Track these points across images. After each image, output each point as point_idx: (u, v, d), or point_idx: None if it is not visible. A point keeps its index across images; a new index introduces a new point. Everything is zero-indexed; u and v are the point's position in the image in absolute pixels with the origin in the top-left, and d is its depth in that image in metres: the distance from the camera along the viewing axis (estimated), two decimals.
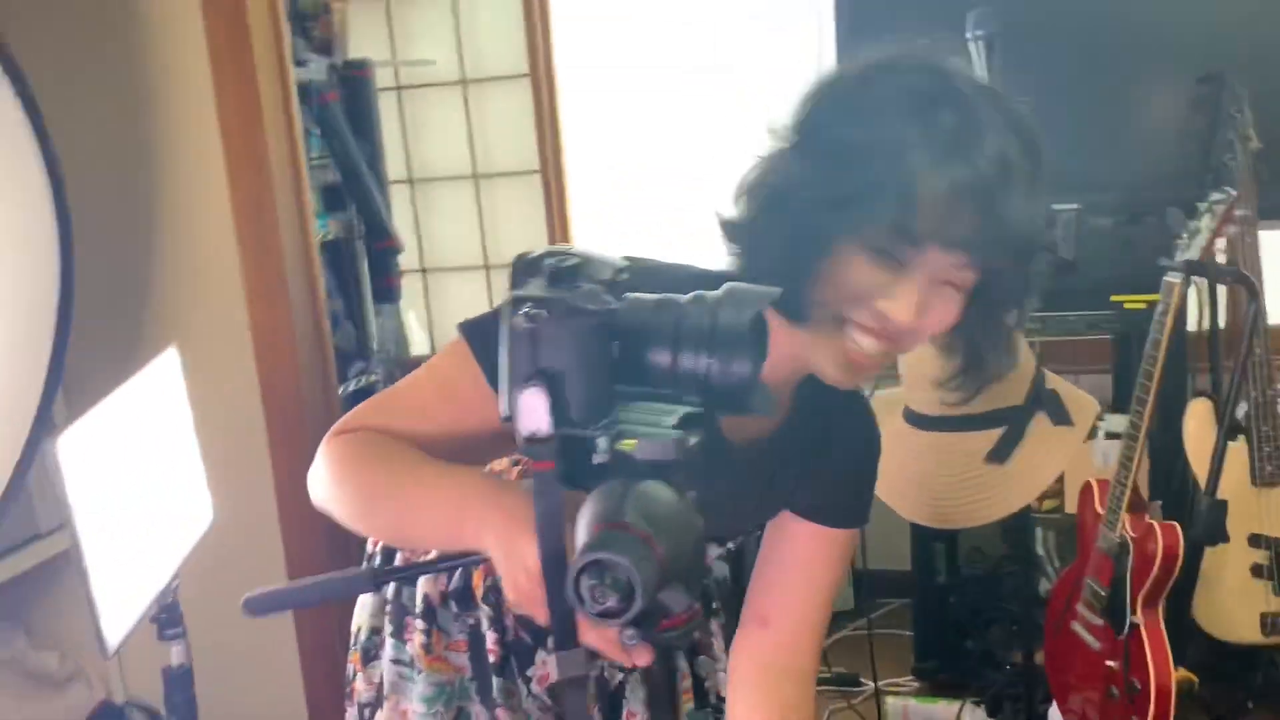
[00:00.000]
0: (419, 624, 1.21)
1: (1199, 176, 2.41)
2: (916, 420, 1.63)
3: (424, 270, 3.47)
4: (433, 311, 3.49)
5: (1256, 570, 2.29)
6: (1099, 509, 2.18)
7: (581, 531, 0.68)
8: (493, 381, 0.82)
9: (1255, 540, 2.28)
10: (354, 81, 2.89)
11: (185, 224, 2.31)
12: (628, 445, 0.74)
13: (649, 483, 0.71)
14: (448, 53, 3.31)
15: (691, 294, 0.76)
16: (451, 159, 3.39)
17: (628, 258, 0.83)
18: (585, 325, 0.71)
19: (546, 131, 3.29)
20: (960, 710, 2.50)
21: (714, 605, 1.33)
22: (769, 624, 1.17)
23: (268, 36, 2.24)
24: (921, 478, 1.59)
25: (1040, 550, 2.84)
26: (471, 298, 3.42)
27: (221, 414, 2.20)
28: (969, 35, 1.83)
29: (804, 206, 0.92)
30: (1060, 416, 1.63)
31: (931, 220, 0.89)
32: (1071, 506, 2.39)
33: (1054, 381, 1.68)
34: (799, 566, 1.16)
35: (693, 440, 0.74)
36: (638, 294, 0.76)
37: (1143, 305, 2.44)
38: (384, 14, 3.31)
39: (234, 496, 2.04)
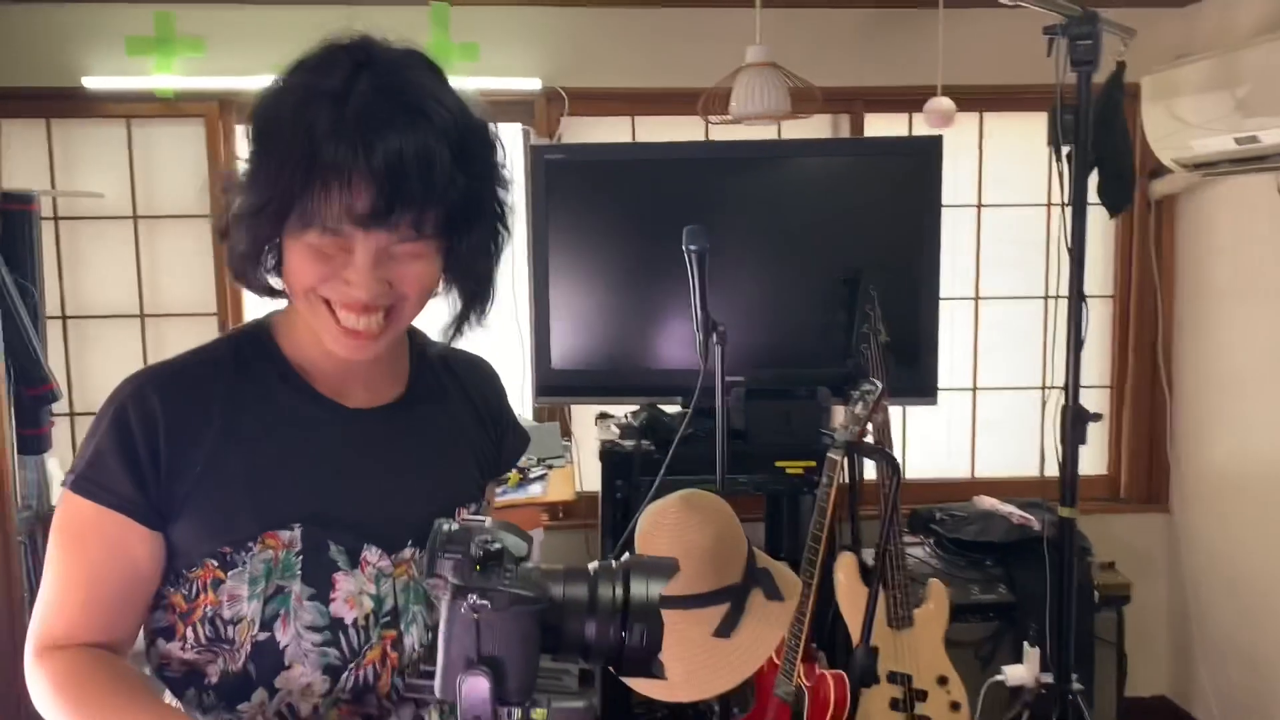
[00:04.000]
0: None
1: (842, 360, 2.84)
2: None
3: (72, 415, 3.16)
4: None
5: (894, 704, 2.65)
6: (775, 660, 2.44)
7: None
8: (123, 506, 0.99)
9: (893, 677, 2.65)
10: (13, 216, 2.65)
11: None
12: (538, 715, 0.81)
13: None
14: (119, 186, 3.11)
15: (597, 566, 0.85)
16: (116, 296, 3.16)
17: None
18: (526, 615, 0.78)
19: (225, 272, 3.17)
20: None
21: None
22: None
23: None
24: (670, 654, 1.73)
25: (704, 705, 3.07)
26: None
27: None
28: (684, 248, 2.08)
29: (249, 216, 0.99)
30: (773, 592, 1.84)
31: (349, 205, 0.94)
32: None
33: (764, 560, 1.90)
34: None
35: (594, 701, 0.82)
36: (542, 567, 0.84)
37: (800, 471, 2.81)
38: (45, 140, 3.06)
39: None
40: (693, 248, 2.07)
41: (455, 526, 0.81)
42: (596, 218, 2.93)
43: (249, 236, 1.01)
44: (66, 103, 3.04)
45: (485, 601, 0.77)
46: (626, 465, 2.78)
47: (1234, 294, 3.16)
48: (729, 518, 1.81)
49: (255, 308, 3.41)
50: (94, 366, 3.17)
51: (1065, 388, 2.51)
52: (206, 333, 3.15)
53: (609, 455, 2.81)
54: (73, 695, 0.99)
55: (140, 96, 3.06)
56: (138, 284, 3.17)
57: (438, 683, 0.78)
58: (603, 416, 3.12)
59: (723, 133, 3.16)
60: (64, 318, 3.12)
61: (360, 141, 0.92)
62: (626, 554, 0.86)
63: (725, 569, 1.80)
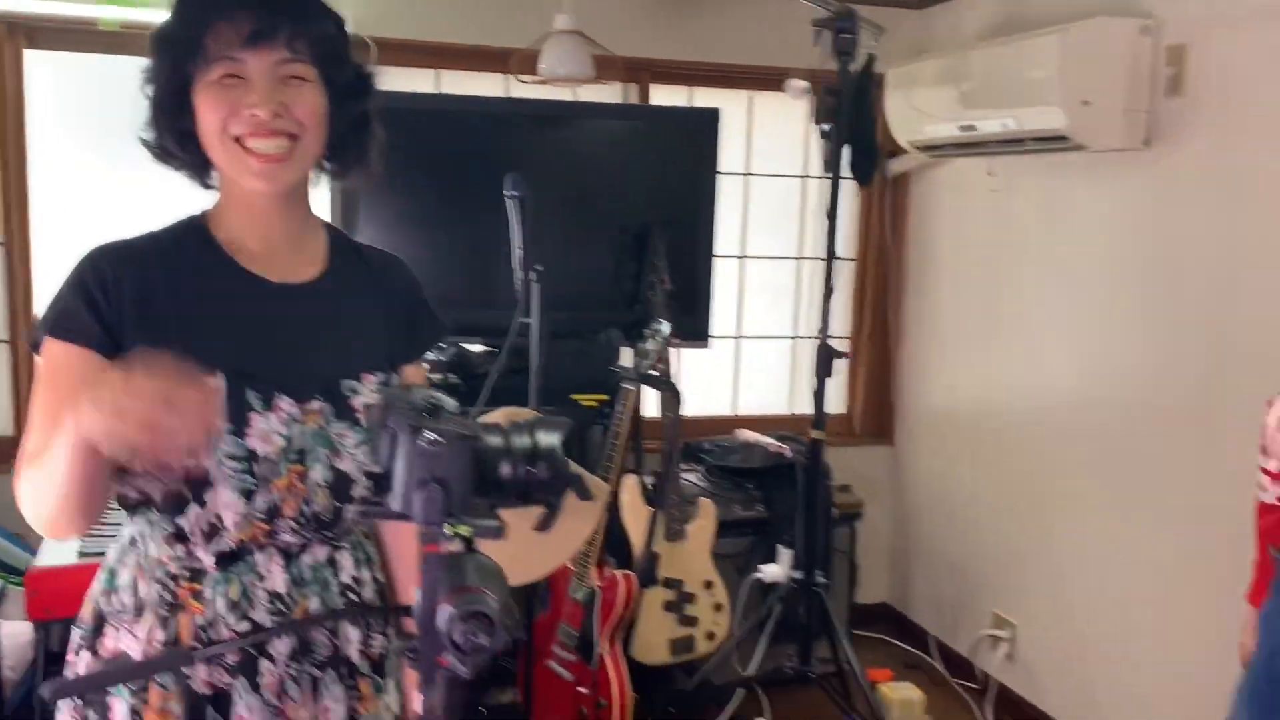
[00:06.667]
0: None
1: (631, 305, 3.16)
2: None
3: None
4: None
5: (667, 606, 3.02)
6: (569, 566, 2.74)
7: (441, 594, 0.98)
8: (90, 342, 1.21)
9: (667, 583, 3.02)
10: None
11: None
12: (465, 530, 1.06)
13: (476, 556, 1.04)
14: None
15: (509, 422, 1.11)
16: None
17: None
18: (468, 448, 1.03)
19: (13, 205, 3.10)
20: None
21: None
22: None
23: None
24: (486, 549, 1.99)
25: None
26: None
27: None
28: (506, 194, 2.31)
29: (157, 84, 1.25)
30: (584, 493, 2.13)
31: (236, 31, 1.20)
32: None
33: (574, 467, 2.18)
34: None
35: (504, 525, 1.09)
36: (473, 419, 1.09)
37: (593, 403, 3.12)
38: None
39: None
40: (515, 194, 2.31)
41: (405, 386, 1.04)
42: (402, 165, 3.07)
43: (164, 106, 1.24)
44: None
45: (439, 437, 1.01)
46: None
47: (952, 260, 3.74)
48: None
49: (43, 234, 3.26)
50: None
51: (820, 330, 2.92)
52: None
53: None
54: (35, 465, 1.17)
55: None
56: None
57: (396, 499, 1.01)
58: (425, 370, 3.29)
59: (524, 92, 3.39)
60: None
61: None
62: (534, 412, 1.12)
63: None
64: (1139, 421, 2.88)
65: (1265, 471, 1.92)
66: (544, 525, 2.09)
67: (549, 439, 1.11)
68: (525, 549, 2.07)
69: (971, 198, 3.59)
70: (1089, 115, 2.72)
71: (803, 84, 3.07)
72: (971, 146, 3.18)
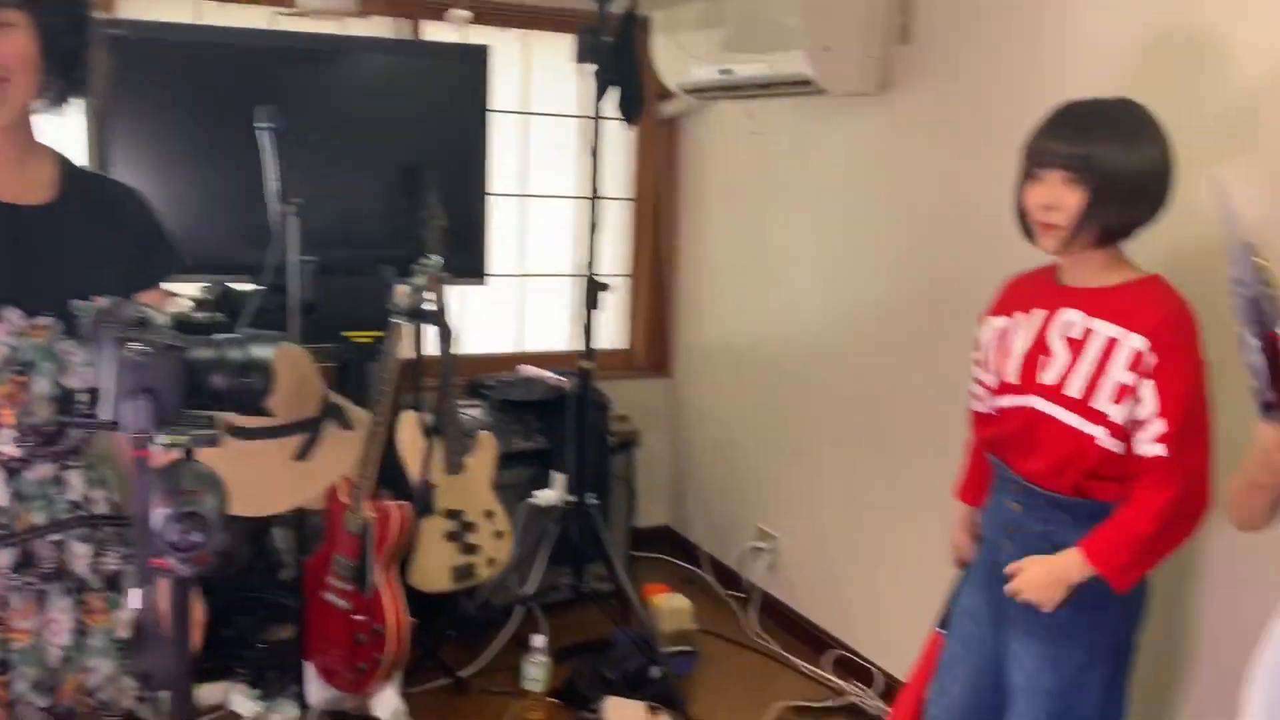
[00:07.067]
0: None
1: (404, 242, 3.19)
2: (237, 433, 2.03)
3: None
4: None
5: (449, 536, 3.10)
6: (345, 500, 2.79)
7: (157, 498, 1.05)
8: None
9: (449, 514, 3.10)
10: None
11: None
12: (183, 440, 1.12)
13: (192, 463, 1.11)
14: None
15: (221, 336, 1.16)
16: None
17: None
18: (176, 358, 1.08)
19: None
20: (227, 690, 2.90)
21: None
22: None
23: None
24: (243, 475, 2.00)
25: (281, 546, 3.35)
26: None
27: None
28: (257, 126, 2.29)
29: None
30: (346, 424, 2.18)
31: None
32: (314, 504, 2.96)
33: (337, 398, 2.22)
34: None
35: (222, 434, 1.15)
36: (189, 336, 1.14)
37: (367, 340, 3.14)
38: None
39: None
40: (268, 125, 2.31)
41: (117, 302, 1.08)
42: (158, 97, 2.99)
43: None
44: None
45: (147, 347, 1.06)
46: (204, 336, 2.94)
47: (720, 201, 3.93)
48: (306, 361, 2.12)
49: None
50: None
51: (587, 264, 3.04)
52: None
53: (183, 327, 2.93)
54: None
55: None
56: None
57: (105, 408, 1.06)
58: (167, 295, 3.21)
59: (291, 25, 3.33)
60: None
61: None
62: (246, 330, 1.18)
63: (304, 404, 2.12)
64: (876, 347, 3.15)
65: (980, 383, 2.15)
66: (303, 454, 2.14)
67: (261, 351, 1.17)
68: (286, 476, 2.12)
69: (735, 140, 3.78)
70: (830, 61, 2.92)
71: (464, 14, 3.11)
72: (732, 90, 3.35)
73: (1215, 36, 2.14)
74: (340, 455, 2.17)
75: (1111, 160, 1.81)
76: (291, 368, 2.09)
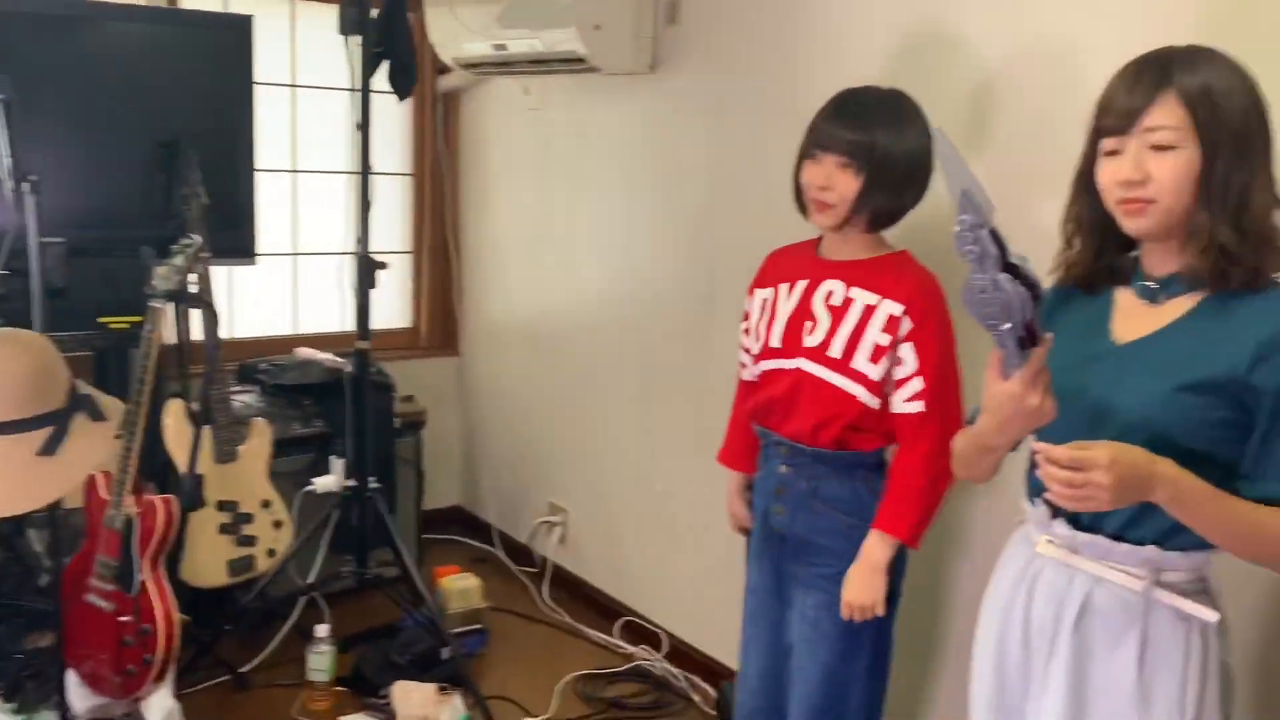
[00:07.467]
0: None
1: (164, 221, 3.02)
2: None
3: None
4: None
5: (223, 528, 2.98)
6: (104, 495, 2.63)
7: None
8: None
9: (222, 505, 2.98)
10: None
11: None
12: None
13: None
14: None
15: None
16: None
17: None
18: None
19: None
20: None
21: None
22: None
23: None
24: None
25: (37, 548, 3.13)
26: None
27: None
28: None
29: None
30: (97, 414, 2.05)
31: None
32: (73, 502, 2.77)
33: (86, 388, 2.08)
34: None
35: None
36: None
37: (126, 325, 2.96)
38: None
39: None
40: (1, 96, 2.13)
41: None
42: None
43: None
44: None
45: None
46: None
47: (502, 177, 3.92)
48: (47, 349, 1.99)
49: None
50: None
51: (359, 242, 2.98)
52: None
53: None
54: None
55: None
56: None
57: None
58: None
59: None
60: None
61: None
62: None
63: (46, 396, 1.99)
64: (654, 320, 3.23)
65: (747, 351, 2.25)
66: (48, 450, 2.00)
67: None
68: (30, 474, 1.98)
69: (514, 116, 3.77)
70: (601, 39, 2.95)
71: None
72: (507, 65, 3.34)
73: (958, 30, 2.30)
74: (92, 448, 2.03)
75: (887, 148, 1.94)
76: (25, 354, 1.96)
